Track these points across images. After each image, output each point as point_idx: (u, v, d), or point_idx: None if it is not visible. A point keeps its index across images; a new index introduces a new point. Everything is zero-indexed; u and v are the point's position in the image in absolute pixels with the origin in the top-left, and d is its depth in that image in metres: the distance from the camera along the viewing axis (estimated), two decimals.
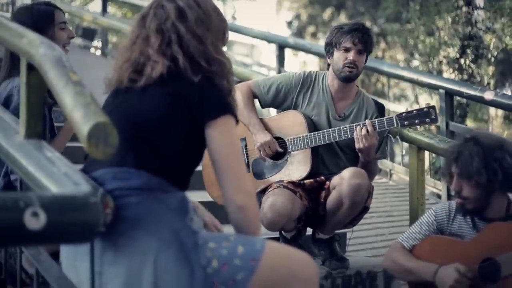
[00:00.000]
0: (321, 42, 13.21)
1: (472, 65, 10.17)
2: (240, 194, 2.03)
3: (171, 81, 2.03)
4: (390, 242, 4.38)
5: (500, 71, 14.20)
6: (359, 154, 3.48)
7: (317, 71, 3.74)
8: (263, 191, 3.55)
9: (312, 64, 18.46)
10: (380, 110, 3.69)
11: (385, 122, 3.45)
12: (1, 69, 3.05)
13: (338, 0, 18.81)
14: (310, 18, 19.95)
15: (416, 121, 3.46)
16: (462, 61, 10.12)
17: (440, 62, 10.59)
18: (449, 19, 10.17)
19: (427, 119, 3.46)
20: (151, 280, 1.78)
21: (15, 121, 2.36)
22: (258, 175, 3.63)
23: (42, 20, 2.80)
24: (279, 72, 7.22)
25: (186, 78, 2.03)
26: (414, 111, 3.49)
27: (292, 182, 3.50)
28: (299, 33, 19.44)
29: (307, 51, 8.33)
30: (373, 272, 3.61)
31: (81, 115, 1.75)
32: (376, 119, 3.48)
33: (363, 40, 3.54)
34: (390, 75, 7.10)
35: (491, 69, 11.01)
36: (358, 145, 3.42)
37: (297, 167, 3.56)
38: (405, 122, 3.46)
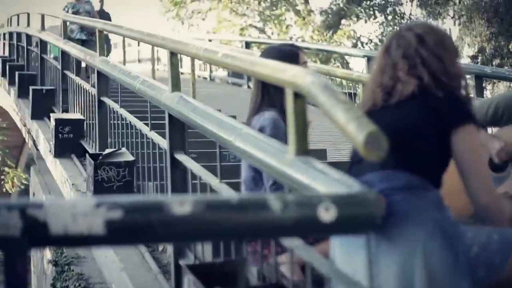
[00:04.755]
0: None
1: None
2: (482, 195, 2.31)
3: (421, 96, 2.35)
4: None
5: None
6: None
7: None
8: None
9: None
10: None
11: None
12: (251, 106, 3.50)
13: None
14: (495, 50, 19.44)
15: None
16: None
17: None
18: None
19: None
20: (422, 265, 2.05)
21: (279, 145, 2.77)
22: None
23: (289, 59, 3.19)
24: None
25: (432, 93, 2.34)
26: None
27: None
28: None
29: (505, 78, 8.29)
30: None
31: (354, 126, 2.09)
32: None
33: None
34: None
35: None
36: None
37: None
38: None
